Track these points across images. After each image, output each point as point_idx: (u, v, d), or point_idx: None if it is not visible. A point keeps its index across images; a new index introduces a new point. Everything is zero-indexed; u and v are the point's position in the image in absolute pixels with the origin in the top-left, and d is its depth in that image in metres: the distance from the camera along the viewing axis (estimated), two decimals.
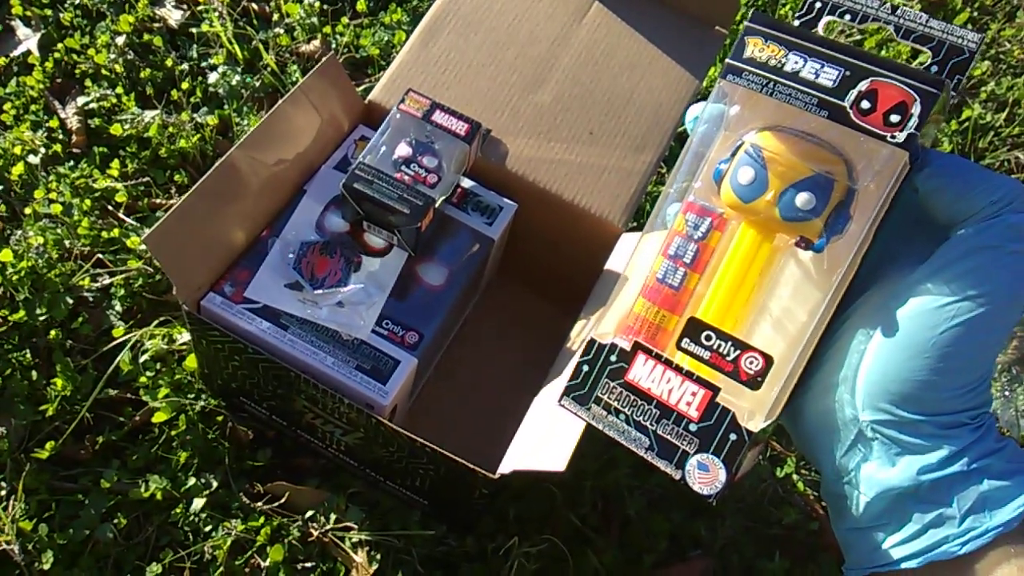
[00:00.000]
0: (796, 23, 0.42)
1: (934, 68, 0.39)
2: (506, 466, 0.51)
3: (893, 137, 0.37)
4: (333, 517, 0.63)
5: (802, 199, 0.39)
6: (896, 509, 0.37)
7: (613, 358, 0.41)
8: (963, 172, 0.37)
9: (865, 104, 0.38)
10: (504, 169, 0.66)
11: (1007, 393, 0.80)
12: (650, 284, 0.42)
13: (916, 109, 0.37)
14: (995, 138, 1.01)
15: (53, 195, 0.77)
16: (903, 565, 0.36)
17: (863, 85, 0.38)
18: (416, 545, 0.63)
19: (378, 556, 0.62)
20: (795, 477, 0.73)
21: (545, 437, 0.52)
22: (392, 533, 0.63)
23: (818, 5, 0.41)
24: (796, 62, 0.40)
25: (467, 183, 0.66)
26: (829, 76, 0.39)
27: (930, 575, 0.36)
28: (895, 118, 0.37)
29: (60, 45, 0.88)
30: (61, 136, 0.83)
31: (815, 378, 0.40)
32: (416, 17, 0.97)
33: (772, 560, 0.68)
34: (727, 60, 0.41)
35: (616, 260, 0.65)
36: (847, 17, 0.41)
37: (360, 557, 0.61)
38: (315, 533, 0.62)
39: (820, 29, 0.42)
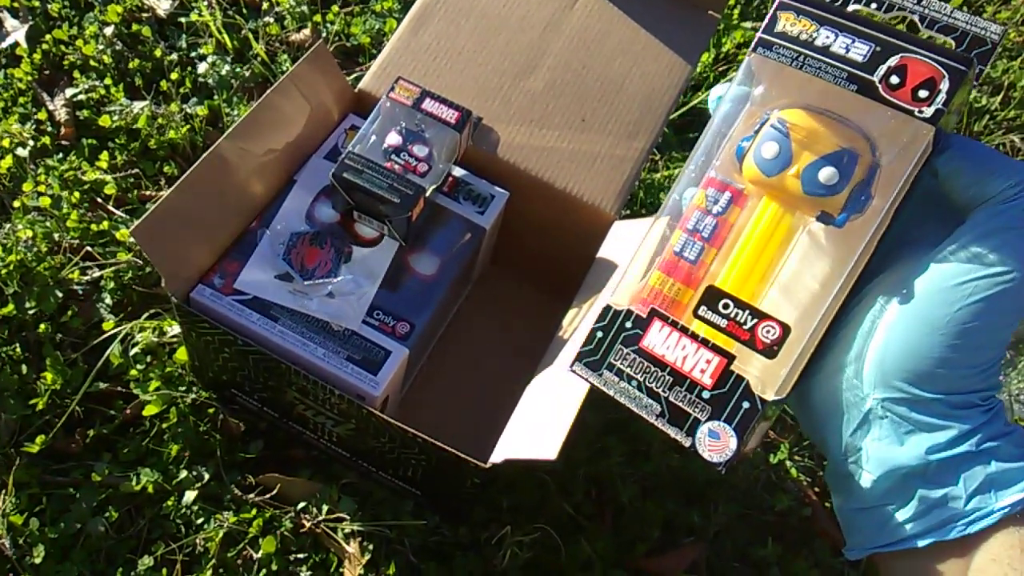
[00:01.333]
0: None
1: None
2: (498, 455, 0.51)
3: (921, 112, 0.38)
4: (325, 508, 0.63)
5: (826, 174, 0.39)
6: (903, 488, 0.37)
7: (628, 324, 0.41)
8: (982, 156, 0.37)
9: (894, 79, 0.39)
10: (496, 157, 0.66)
11: (1001, 377, 0.79)
12: (667, 257, 0.42)
13: (944, 85, 0.38)
14: (991, 121, 1.00)
15: (42, 188, 0.77)
16: (907, 544, 0.36)
17: (893, 60, 0.39)
18: (409, 535, 0.63)
19: (371, 546, 0.62)
20: (788, 464, 0.73)
21: (537, 426, 0.51)
22: (385, 523, 0.62)
23: None
24: (827, 36, 0.40)
25: (458, 172, 0.66)
26: (859, 51, 0.40)
27: (934, 555, 0.36)
28: (923, 93, 0.38)
29: (48, 36, 0.88)
30: (49, 128, 0.83)
31: (826, 358, 0.39)
32: (407, 5, 0.96)
33: (765, 546, 0.68)
34: (759, 34, 0.42)
35: (609, 248, 0.64)
36: (873, 6, 0.41)
37: (353, 548, 0.61)
38: (307, 524, 0.62)
39: None
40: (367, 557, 0.61)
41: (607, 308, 0.42)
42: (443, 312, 0.66)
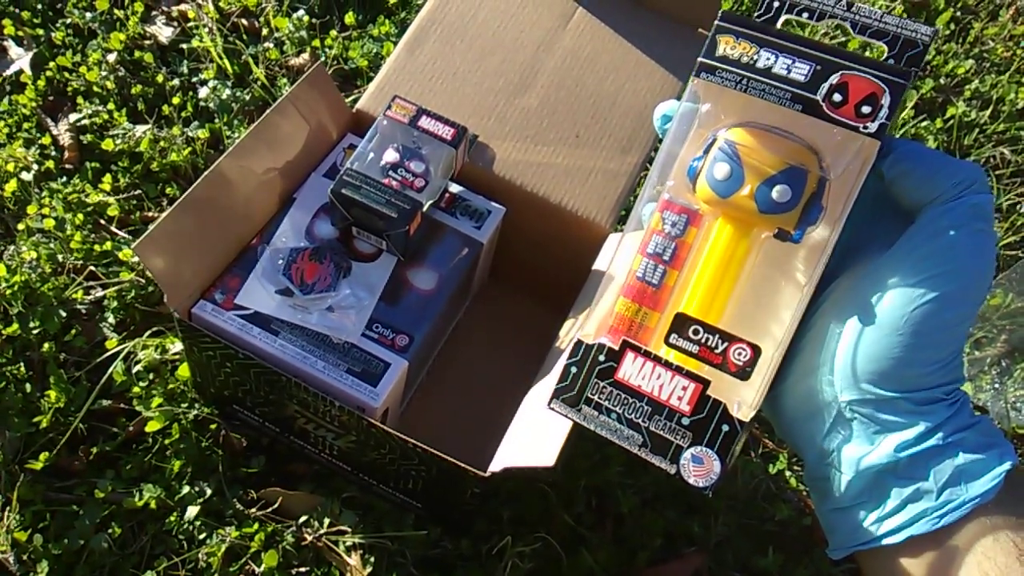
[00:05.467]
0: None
1: (890, 62, 0.40)
2: (497, 464, 0.52)
3: (865, 127, 0.39)
4: (327, 521, 0.63)
5: (778, 191, 0.40)
6: (876, 486, 0.37)
7: (601, 358, 0.41)
8: (926, 157, 0.38)
9: (837, 97, 0.39)
10: (492, 173, 0.67)
11: (997, 385, 0.80)
12: (630, 282, 0.43)
13: (886, 100, 0.38)
14: (980, 135, 1.02)
15: (46, 210, 0.78)
16: (884, 541, 0.37)
17: (834, 78, 0.39)
18: (410, 547, 0.63)
19: (372, 559, 0.62)
20: (787, 473, 0.73)
21: (535, 434, 0.52)
22: (386, 535, 0.63)
23: (776, 4, 0.42)
24: (768, 58, 0.41)
25: (456, 188, 0.67)
26: (801, 71, 0.40)
27: (911, 549, 0.37)
28: (866, 109, 0.39)
29: (52, 63, 0.89)
30: (54, 152, 0.84)
31: (793, 365, 0.40)
32: (404, 29, 0.98)
33: (766, 556, 0.68)
34: (700, 59, 0.42)
35: (604, 261, 0.65)
36: (805, 15, 0.42)
37: (354, 560, 0.62)
38: (309, 538, 0.63)
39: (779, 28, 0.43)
40: (369, 570, 0.61)
41: (579, 343, 0.42)
42: (442, 325, 0.67)
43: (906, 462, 0.37)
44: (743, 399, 0.40)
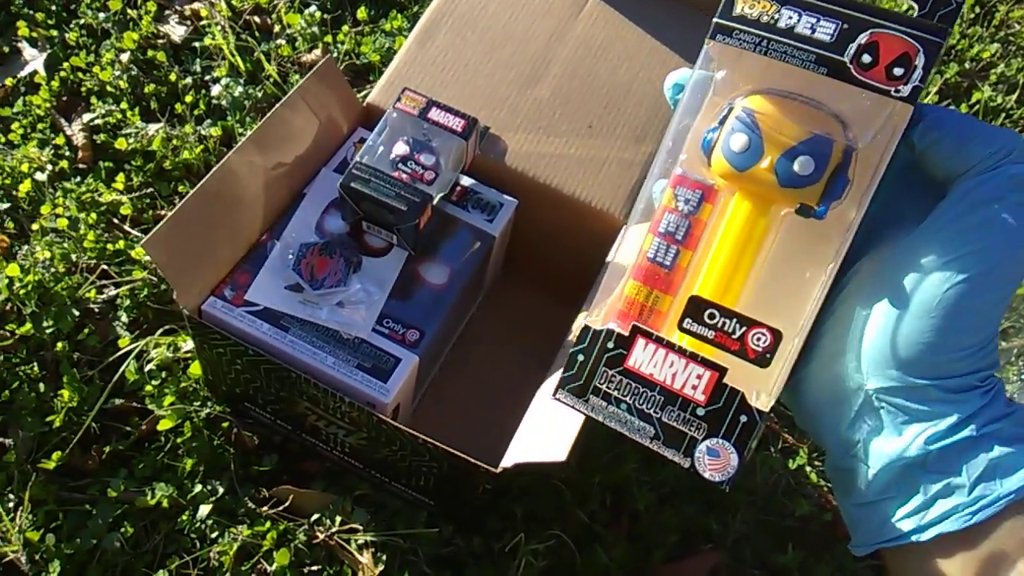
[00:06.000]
0: None
1: None
2: (508, 460, 0.51)
3: (897, 91, 0.35)
4: (339, 519, 0.62)
5: (801, 163, 0.37)
6: (904, 480, 0.35)
7: (610, 344, 0.39)
8: (960, 124, 0.35)
9: (866, 58, 0.36)
10: (504, 165, 0.66)
11: (1023, 377, 0.78)
12: (640, 264, 0.40)
13: (920, 60, 0.35)
14: (1007, 120, 0.99)
15: (60, 210, 0.78)
16: (911, 539, 0.35)
17: (863, 38, 0.36)
18: (422, 545, 0.62)
19: (384, 557, 0.61)
20: (808, 469, 0.71)
21: (547, 429, 0.51)
22: (398, 533, 0.62)
23: None
24: (790, 17, 0.38)
25: (467, 181, 0.66)
26: (826, 30, 0.37)
27: (940, 548, 0.35)
28: (898, 71, 0.36)
29: (66, 64, 0.89)
30: (67, 152, 0.84)
31: (816, 351, 0.38)
32: (416, 23, 0.97)
33: (785, 553, 0.66)
34: (715, 20, 0.39)
35: (619, 252, 0.64)
36: None
37: (366, 558, 0.61)
38: (321, 536, 0.62)
39: None
40: (381, 568, 0.61)
41: (586, 329, 0.40)
42: (454, 320, 0.66)
43: (937, 455, 0.34)
44: (761, 388, 0.37)
